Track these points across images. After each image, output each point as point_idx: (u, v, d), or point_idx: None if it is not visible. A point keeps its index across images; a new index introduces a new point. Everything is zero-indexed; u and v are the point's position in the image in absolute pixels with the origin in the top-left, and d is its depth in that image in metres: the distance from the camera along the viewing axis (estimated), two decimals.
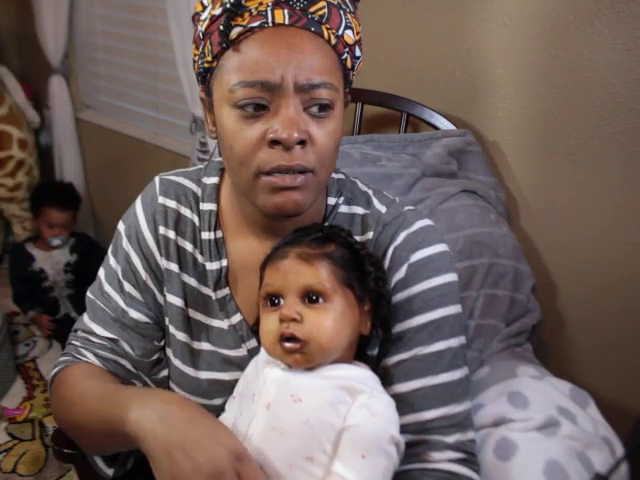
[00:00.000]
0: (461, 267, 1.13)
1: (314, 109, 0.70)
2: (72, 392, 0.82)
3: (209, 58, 0.72)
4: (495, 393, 0.91)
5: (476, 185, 1.27)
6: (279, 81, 0.67)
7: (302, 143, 0.69)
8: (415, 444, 0.74)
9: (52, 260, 2.37)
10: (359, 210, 0.84)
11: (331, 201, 0.84)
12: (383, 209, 0.83)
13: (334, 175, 0.86)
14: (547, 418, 0.84)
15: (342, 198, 0.85)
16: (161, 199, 0.86)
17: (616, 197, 1.20)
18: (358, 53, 0.76)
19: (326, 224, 0.83)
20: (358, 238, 0.82)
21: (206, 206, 0.85)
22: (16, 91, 2.60)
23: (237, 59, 0.69)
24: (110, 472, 0.86)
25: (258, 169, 0.70)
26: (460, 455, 0.73)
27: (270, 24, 0.67)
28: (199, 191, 0.87)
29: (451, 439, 0.74)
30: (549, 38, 1.21)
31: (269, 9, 0.67)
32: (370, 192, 0.86)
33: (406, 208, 0.84)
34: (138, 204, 0.88)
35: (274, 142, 0.69)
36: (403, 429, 0.72)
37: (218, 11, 0.70)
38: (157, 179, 0.89)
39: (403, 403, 0.74)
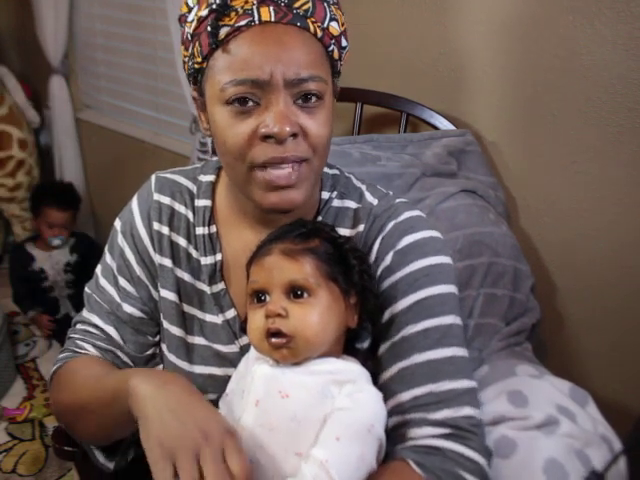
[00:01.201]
0: (460, 266, 1.13)
1: (304, 101, 0.71)
2: (75, 377, 0.83)
3: (199, 59, 0.73)
4: (495, 392, 0.91)
5: (476, 185, 1.27)
6: (268, 78, 0.69)
7: (294, 135, 0.71)
8: (400, 425, 0.74)
9: (52, 260, 2.37)
10: (352, 204, 0.85)
11: (325, 195, 0.85)
12: (375, 202, 0.84)
13: (329, 170, 0.87)
14: (546, 417, 0.84)
15: (335, 192, 0.85)
16: (156, 196, 0.87)
17: (616, 197, 1.21)
18: (344, 43, 0.77)
19: (319, 217, 0.84)
20: (349, 232, 0.83)
21: (201, 202, 0.87)
22: (16, 91, 2.60)
23: (226, 59, 0.70)
24: (111, 465, 0.87)
25: (252, 162, 0.72)
26: (446, 430, 0.71)
27: (257, 22, 0.69)
28: (194, 188, 0.88)
29: (438, 415, 0.72)
30: (549, 38, 1.21)
31: (255, 7, 0.69)
32: (363, 187, 0.87)
33: (397, 200, 0.84)
34: (134, 201, 0.89)
35: (267, 137, 0.70)
36: (390, 412, 0.72)
37: (204, 12, 0.71)
38: (153, 177, 0.90)
39: (391, 386, 0.75)
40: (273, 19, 0.69)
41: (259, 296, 0.73)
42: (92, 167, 2.78)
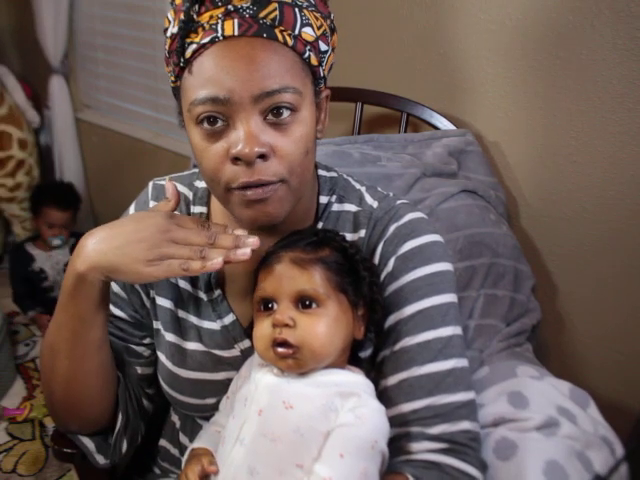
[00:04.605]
0: (461, 267, 1.13)
1: (275, 118, 0.68)
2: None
3: (173, 79, 0.73)
4: (495, 393, 0.91)
5: (476, 185, 1.27)
6: (229, 95, 0.66)
7: (263, 157, 0.68)
8: (398, 438, 0.73)
9: (52, 260, 2.37)
10: (351, 207, 0.83)
11: (323, 200, 0.83)
12: (375, 204, 0.83)
13: (326, 174, 0.86)
14: (547, 418, 0.84)
15: (335, 196, 0.84)
16: (152, 204, 0.87)
17: (618, 197, 1.20)
18: (324, 47, 0.72)
19: (320, 223, 0.82)
20: (350, 236, 0.81)
21: (197, 209, 0.86)
22: (16, 91, 2.60)
23: (192, 77, 0.68)
24: (106, 461, 0.86)
25: (227, 185, 0.70)
26: (443, 445, 0.72)
27: (220, 37, 0.66)
28: (190, 194, 0.87)
29: (435, 430, 0.72)
30: (549, 38, 1.21)
31: (220, 22, 0.66)
32: (363, 189, 0.86)
33: (398, 202, 0.83)
34: (131, 209, 0.90)
35: (236, 158, 0.68)
36: (389, 421, 0.71)
37: (176, 29, 0.69)
38: (150, 184, 0.90)
39: (389, 396, 0.74)
40: (237, 33, 0.65)
41: (266, 304, 0.72)
42: (92, 167, 2.78)
